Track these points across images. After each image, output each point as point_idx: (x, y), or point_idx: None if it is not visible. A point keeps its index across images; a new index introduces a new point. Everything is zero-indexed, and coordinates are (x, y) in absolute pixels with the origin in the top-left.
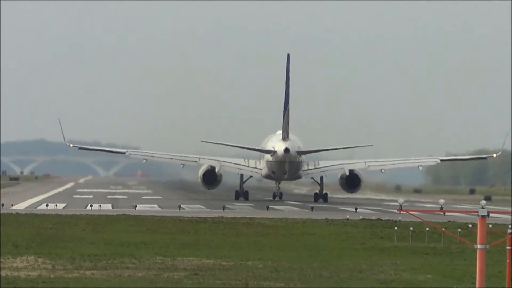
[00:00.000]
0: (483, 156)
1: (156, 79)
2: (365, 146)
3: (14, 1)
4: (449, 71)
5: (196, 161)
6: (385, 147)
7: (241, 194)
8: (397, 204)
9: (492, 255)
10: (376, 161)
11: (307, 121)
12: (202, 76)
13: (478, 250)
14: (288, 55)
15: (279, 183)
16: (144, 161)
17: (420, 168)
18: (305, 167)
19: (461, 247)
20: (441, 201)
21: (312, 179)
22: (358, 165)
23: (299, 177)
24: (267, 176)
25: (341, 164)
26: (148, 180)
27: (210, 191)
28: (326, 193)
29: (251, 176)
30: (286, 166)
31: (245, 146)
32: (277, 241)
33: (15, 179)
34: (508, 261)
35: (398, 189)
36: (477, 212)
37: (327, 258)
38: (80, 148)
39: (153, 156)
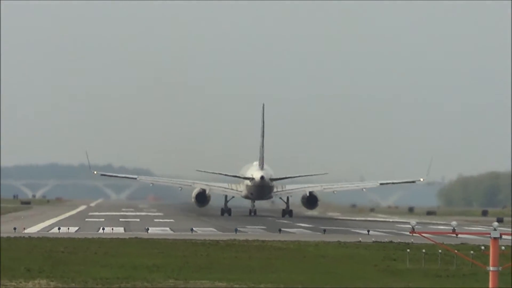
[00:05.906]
0: (411, 180)
1: (166, 108)
2: (322, 174)
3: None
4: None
5: (191, 185)
6: (339, 175)
7: (225, 211)
8: (410, 226)
9: (505, 277)
10: (330, 185)
11: (277, 153)
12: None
13: (490, 272)
14: (263, 104)
15: (254, 202)
16: (151, 185)
17: (364, 190)
18: (275, 190)
19: (473, 269)
20: (454, 223)
21: (280, 199)
22: (316, 188)
23: (270, 197)
24: (246, 197)
25: (303, 187)
26: (159, 204)
27: (200, 209)
28: (291, 210)
29: (233, 197)
30: (262, 189)
31: (230, 174)
32: (289, 264)
33: (27, 203)
34: None
35: (411, 211)
36: (490, 234)
37: (339, 280)
38: (102, 175)
39: (158, 181)
